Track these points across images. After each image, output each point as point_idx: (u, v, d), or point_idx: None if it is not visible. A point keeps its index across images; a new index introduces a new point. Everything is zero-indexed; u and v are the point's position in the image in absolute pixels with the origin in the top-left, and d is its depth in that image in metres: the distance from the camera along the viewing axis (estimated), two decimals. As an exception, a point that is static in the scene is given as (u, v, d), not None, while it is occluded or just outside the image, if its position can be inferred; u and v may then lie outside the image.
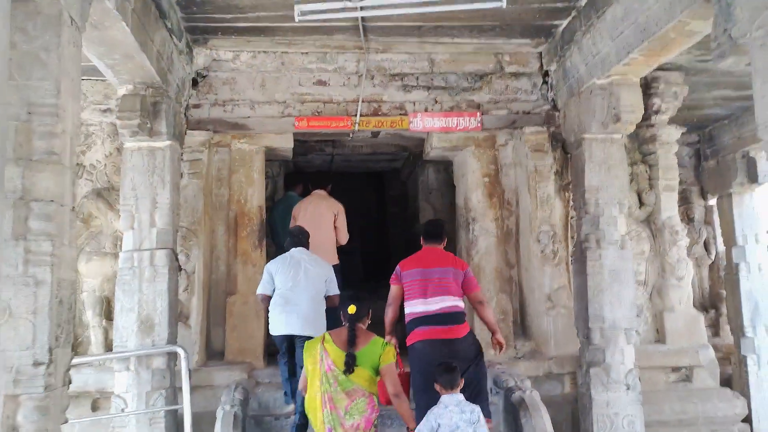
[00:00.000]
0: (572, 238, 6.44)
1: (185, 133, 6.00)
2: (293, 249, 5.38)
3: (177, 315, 5.58)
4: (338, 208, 6.38)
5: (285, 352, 5.22)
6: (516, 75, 6.41)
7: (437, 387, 3.93)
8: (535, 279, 6.26)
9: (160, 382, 5.19)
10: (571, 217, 6.42)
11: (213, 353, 6.23)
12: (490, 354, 6.01)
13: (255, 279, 6.19)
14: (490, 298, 6.26)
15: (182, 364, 5.05)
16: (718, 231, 8.06)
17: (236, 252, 6.28)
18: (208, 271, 6.21)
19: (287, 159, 6.88)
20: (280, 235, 6.76)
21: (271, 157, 6.73)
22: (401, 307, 4.69)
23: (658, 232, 6.66)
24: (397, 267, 4.76)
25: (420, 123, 6.28)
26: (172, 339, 5.36)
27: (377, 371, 3.77)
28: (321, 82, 6.27)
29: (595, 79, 5.36)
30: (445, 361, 4.04)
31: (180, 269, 5.72)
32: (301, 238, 5.47)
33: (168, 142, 5.40)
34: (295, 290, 5.11)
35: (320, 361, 3.73)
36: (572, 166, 6.09)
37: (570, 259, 6.38)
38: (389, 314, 4.68)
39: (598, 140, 5.63)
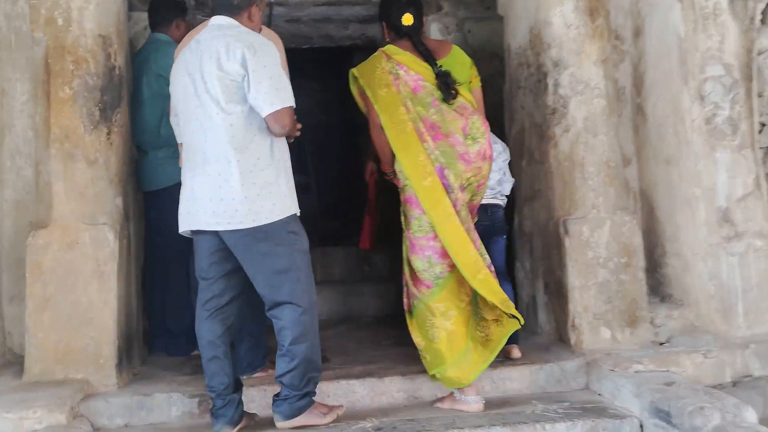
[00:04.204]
0: (760, 96, 3.20)
1: None
2: (210, 21, 2.51)
3: None
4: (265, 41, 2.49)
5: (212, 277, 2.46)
6: None
7: None
8: (690, 179, 2.98)
9: None
10: (759, 52, 3.17)
11: (4, 362, 2.85)
12: (605, 337, 2.90)
13: (92, 193, 2.80)
14: (600, 222, 3.01)
15: None
16: None
17: (49, 135, 2.81)
18: (-14, 178, 2.77)
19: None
20: (138, 120, 3.25)
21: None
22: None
23: None
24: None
25: None
26: None
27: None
28: None
29: None
30: None
31: None
32: None
33: None
34: (198, 126, 2.41)
35: (395, 82, 2.66)
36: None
37: (758, 138, 3.15)
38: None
39: None
